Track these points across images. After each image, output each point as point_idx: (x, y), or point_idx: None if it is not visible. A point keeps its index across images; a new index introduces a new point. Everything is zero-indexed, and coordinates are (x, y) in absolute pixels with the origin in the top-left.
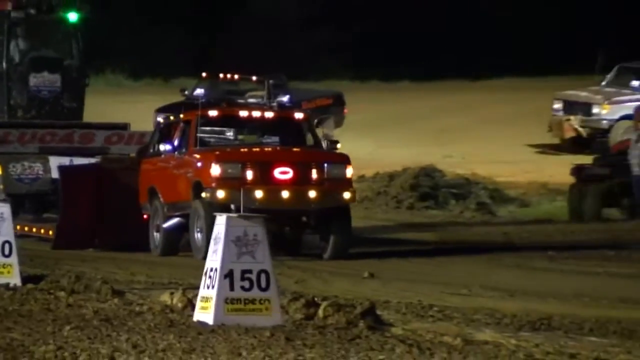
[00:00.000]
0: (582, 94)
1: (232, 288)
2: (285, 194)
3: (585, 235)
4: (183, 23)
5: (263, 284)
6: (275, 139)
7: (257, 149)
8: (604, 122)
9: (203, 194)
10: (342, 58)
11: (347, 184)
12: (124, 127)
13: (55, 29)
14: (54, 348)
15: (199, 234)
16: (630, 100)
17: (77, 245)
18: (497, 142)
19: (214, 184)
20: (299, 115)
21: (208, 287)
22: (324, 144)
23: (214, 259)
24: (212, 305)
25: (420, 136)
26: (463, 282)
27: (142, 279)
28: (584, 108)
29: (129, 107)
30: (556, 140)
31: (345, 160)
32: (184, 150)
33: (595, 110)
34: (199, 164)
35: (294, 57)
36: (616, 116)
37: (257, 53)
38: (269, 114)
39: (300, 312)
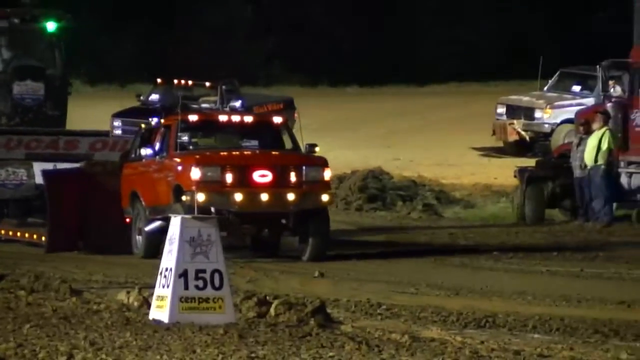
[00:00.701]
0: (525, 99)
1: (186, 287)
2: (264, 197)
3: (529, 236)
4: (138, 30)
5: (217, 283)
6: (255, 142)
7: (237, 153)
8: (546, 126)
9: (183, 197)
10: (293, 64)
11: (324, 186)
12: (106, 134)
13: (38, 38)
14: (14, 345)
15: None
16: (571, 105)
17: (68, 247)
18: (442, 145)
19: (193, 187)
20: (277, 120)
21: (163, 287)
22: (303, 148)
23: (169, 259)
24: (167, 303)
25: (368, 139)
26: (410, 281)
27: (99, 278)
28: (527, 112)
29: (87, 112)
30: (500, 144)
31: (322, 163)
32: (164, 154)
33: (537, 114)
34: (179, 168)
35: (246, 63)
36: (558, 120)
37: (211, 59)
38: (248, 119)
39: (252, 311)
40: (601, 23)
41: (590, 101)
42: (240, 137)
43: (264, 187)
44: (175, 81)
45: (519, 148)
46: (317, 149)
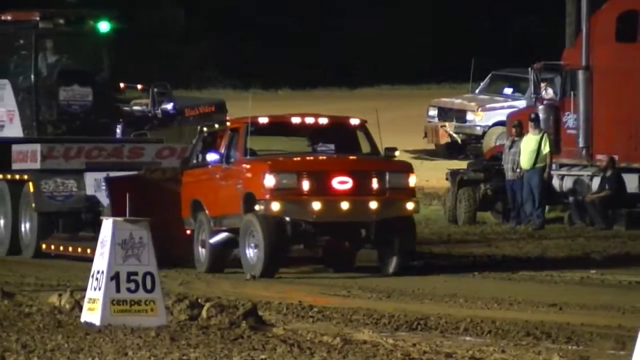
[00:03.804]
0: (457, 101)
1: (118, 290)
2: (344, 205)
3: (460, 238)
4: None
5: (148, 286)
6: (330, 146)
7: (313, 158)
8: (478, 128)
9: (256, 207)
10: (225, 67)
11: (410, 193)
12: (160, 141)
13: (85, 40)
14: None
15: (251, 250)
16: (503, 107)
17: None
18: None
19: (267, 196)
20: (354, 122)
21: (95, 289)
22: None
23: (100, 262)
24: (99, 306)
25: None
26: (342, 283)
27: (31, 281)
28: (458, 115)
29: None
30: (431, 146)
31: (407, 168)
32: (232, 160)
33: (469, 117)
34: (251, 175)
35: (179, 66)
36: (489, 122)
37: (143, 62)
38: (323, 121)
39: (184, 313)
40: (534, 26)
41: (522, 103)
42: (314, 140)
43: (343, 195)
44: None
45: (450, 150)
46: (397, 153)
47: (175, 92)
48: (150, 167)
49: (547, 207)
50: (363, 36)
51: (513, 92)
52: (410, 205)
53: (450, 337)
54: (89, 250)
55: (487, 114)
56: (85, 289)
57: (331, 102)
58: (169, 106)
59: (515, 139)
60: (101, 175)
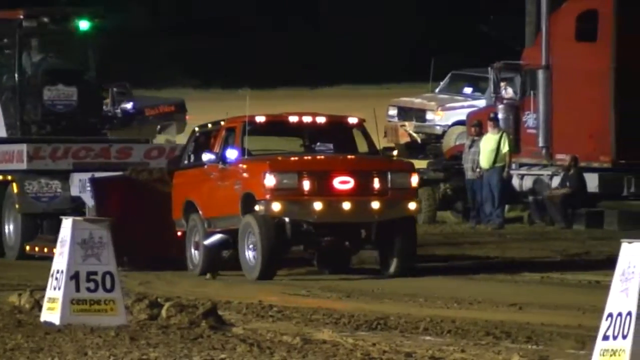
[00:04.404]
0: (416, 101)
1: (77, 289)
2: (346, 206)
3: (420, 238)
4: None
5: (108, 285)
6: (328, 146)
7: (314, 157)
8: (438, 127)
9: (256, 207)
10: (186, 66)
11: (411, 193)
12: (146, 142)
13: (70, 39)
14: None
15: (251, 252)
16: (463, 107)
17: (119, 263)
18: None
19: (268, 196)
20: (352, 120)
21: (55, 289)
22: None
23: (60, 261)
24: (58, 306)
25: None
26: (302, 283)
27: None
28: (418, 114)
29: None
30: (391, 146)
31: (409, 168)
32: (228, 160)
33: (429, 116)
34: (250, 175)
35: (139, 66)
36: (449, 122)
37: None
38: (321, 120)
39: (144, 313)
40: (495, 25)
41: (481, 103)
42: (312, 139)
43: (345, 195)
44: None
45: (410, 150)
46: (394, 152)
47: (135, 91)
48: (137, 168)
49: (507, 207)
50: (324, 36)
51: (473, 92)
52: (412, 206)
53: (410, 336)
54: None
55: (447, 113)
56: (45, 289)
57: (290, 101)
58: (129, 106)
59: (475, 138)
60: (86, 176)
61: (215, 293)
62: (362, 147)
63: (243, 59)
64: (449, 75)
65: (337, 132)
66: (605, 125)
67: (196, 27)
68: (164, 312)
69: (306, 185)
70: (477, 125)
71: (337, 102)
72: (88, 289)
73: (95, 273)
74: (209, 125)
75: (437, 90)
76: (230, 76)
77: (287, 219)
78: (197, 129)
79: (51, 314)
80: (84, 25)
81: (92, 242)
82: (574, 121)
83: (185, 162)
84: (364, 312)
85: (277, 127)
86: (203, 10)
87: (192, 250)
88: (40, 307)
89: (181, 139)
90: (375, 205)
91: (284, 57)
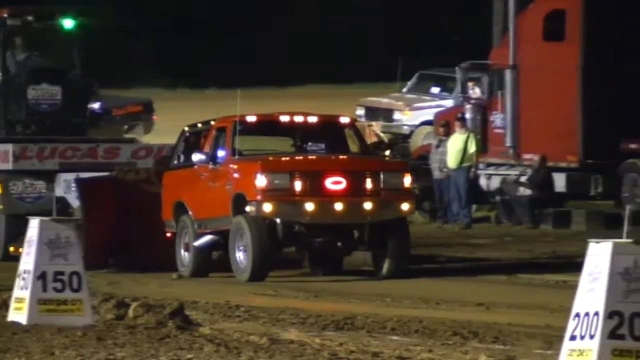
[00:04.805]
0: (384, 101)
1: (44, 289)
2: (338, 207)
3: None
4: None
5: (75, 285)
6: (320, 146)
7: (306, 157)
8: (405, 127)
9: (247, 208)
10: (154, 66)
11: (405, 194)
12: (131, 142)
13: (55, 38)
14: None
15: (242, 253)
16: (430, 107)
17: (105, 264)
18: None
19: (259, 197)
20: (344, 120)
21: (22, 289)
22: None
23: (27, 261)
24: (25, 305)
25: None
26: (269, 283)
27: None
28: (386, 114)
29: None
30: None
31: (402, 168)
32: (219, 160)
33: (396, 116)
34: (241, 175)
35: (110, 66)
36: (417, 122)
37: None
38: (312, 119)
39: (111, 313)
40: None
41: (449, 103)
42: (303, 139)
43: (338, 196)
44: None
45: (377, 150)
46: (387, 152)
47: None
48: (124, 168)
49: (474, 207)
50: (293, 36)
51: (441, 92)
52: (405, 206)
53: (377, 336)
54: None
55: (415, 113)
56: (12, 289)
57: (257, 101)
58: (96, 105)
59: (443, 138)
60: (72, 176)
61: (182, 293)
62: (353, 147)
63: (211, 59)
64: (417, 75)
65: (329, 132)
66: (572, 125)
67: (164, 27)
68: (131, 312)
69: (298, 185)
70: (444, 125)
71: (305, 101)
72: (55, 289)
73: (63, 273)
74: (199, 125)
75: (404, 90)
76: (197, 76)
77: (278, 220)
78: (186, 128)
79: (18, 313)
80: (68, 23)
81: (59, 242)
82: (542, 121)
83: (175, 162)
84: (331, 312)
85: (268, 126)
86: (171, 10)
87: (182, 251)
88: (7, 307)
89: (149, 139)
90: (368, 206)
91: (251, 57)
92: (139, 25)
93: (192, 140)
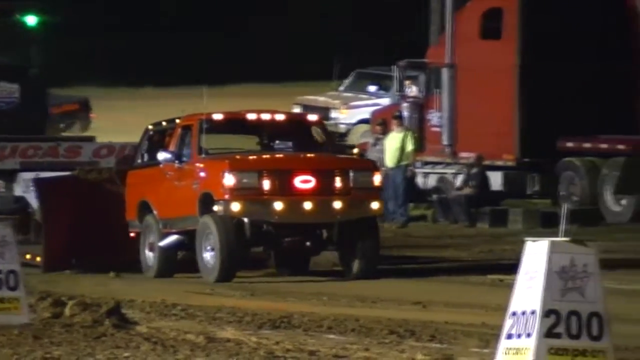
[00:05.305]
0: (321, 99)
1: None
2: (307, 206)
3: None
4: None
5: (11, 284)
6: (288, 144)
7: (274, 156)
8: (342, 126)
9: (215, 208)
10: (91, 65)
11: (375, 193)
12: (91, 139)
13: (14, 34)
14: None
15: (209, 253)
16: (367, 105)
17: (66, 265)
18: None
19: (227, 196)
20: (312, 118)
21: None
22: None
23: None
24: None
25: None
26: (206, 282)
27: None
28: (323, 112)
29: None
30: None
31: (372, 166)
32: (184, 159)
33: (333, 114)
34: (208, 174)
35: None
36: (354, 120)
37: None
38: (280, 117)
39: (47, 311)
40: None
41: (386, 101)
42: (271, 137)
43: (306, 195)
44: None
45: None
46: (355, 150)
47: None
48: (85, 168)
49: (411, 205)
50: (229, 36)
51: (377, 90)
52: (375, 205)
53: (314, 335)
54: (27, 257)
55: (352, 111)
56: None
57: (193, 100)
58: None
59: (379, 136)
60: (31, 175)
61: (118, 292)
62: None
63: (148, 57)
64: (354, 73)
65: (296, 130)
66: (509, 124)
67: (103, 25)
68: (67, 311)
69: (266, 184)
70: (381, 123)
71: (243, 100)
72: None
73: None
74: (163, 123)
75: (341, 88)
76: (135, 75)
77: (246, 220)
78: (150, 127)
79: None
80: (31, 20)
81: None
82: (479, 119)
83: (139, 161)
84: (267, 310)
85: (235, 124)
86: (109, 9)
87: (147, 251)
88: None
89: None
90: (338, 204)
91: (187, 56)
92: (75, 24)
93: (156, 138)
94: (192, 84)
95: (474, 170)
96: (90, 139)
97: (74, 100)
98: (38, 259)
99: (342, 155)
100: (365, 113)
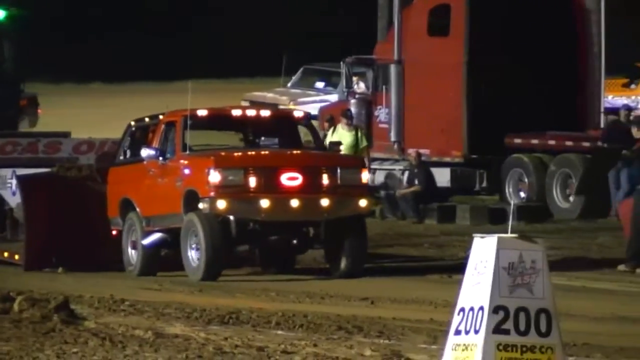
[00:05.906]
0: (269, 95)
1: None
2: (294, 203)
3: None
4: None
5: None
6: (274, 141)
7: (260, 152)
8: None
9: (200, 205)
10: (38, 60)
11: (362, 190)
12: (65, 135)
13: None
14: None
15: (194, 252)
16: (315, 101)
17: (47, 263)
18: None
19: (212, 193)
20: (298, 114)
21: None
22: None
23: None
24: None
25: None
26: (154, 278)
27: None
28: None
29: None
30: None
31: (359, 163)
32: (168, 155)
33: None
34: (193, 171)
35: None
36: None
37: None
38: (265, 113)
39: None
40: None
41: (334, 97)
42: (256, 134)
43: (293, 192)
44: None
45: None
46: (341, 147)
47: None
48: (65, 165)
49: None
50: (179, 34)
51: (325, 86)
52: (363, 203)
53: (262, 331)
54: (6, 254)
55: (299, 107)
56: None
57: (144, 96)
58: None
59: (327, 133)
60: (7, 172)
61: (67, 287)
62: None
63: (94, 55)
64: (301, 69)
65: (282, 127)
66: (457, 120)
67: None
68: (16, 306)
69: (252, 181)
70: (329, 119)
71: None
72: None
73: None
74: (147, 120)
75: (289, 84)
76: (82, 71)
77: (232, 217)
78: (133, 123)
79: None
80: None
81: None
82: (426, 116)
83: (121, 157)
84: (215, 306)
85: (219, 121)
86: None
87: (130, 249)
88: None
89: None
90: (325, 202)
91: (137, 53)
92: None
93: (139, 135)
94: (139, 79)
95: (416, 168)
96: (66, 135)
97: (22, 96)
98: (17, 256)
99: (329, 152)
100: (313, 109)
